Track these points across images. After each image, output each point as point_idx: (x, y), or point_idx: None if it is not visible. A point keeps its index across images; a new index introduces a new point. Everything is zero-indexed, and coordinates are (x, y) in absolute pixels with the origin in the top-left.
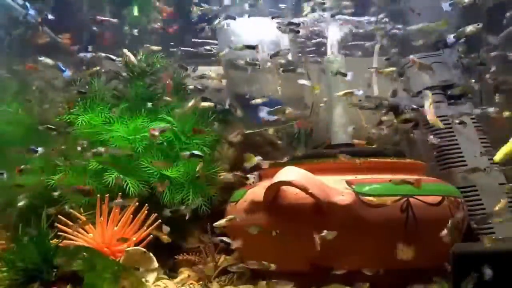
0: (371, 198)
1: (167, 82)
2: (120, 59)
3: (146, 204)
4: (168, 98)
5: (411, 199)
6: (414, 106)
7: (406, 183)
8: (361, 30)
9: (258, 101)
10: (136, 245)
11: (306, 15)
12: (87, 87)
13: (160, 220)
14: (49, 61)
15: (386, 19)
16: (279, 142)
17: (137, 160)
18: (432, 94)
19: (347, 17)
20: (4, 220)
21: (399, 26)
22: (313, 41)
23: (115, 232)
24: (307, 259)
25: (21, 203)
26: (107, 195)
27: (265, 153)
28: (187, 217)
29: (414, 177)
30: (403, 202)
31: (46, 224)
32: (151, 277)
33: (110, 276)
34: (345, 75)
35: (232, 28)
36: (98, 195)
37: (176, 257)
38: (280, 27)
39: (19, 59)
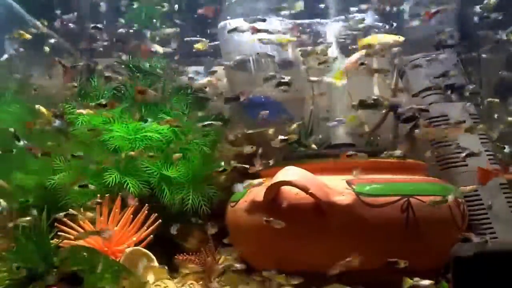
0: None
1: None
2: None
3: (146, 204)
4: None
5: (411, 199)
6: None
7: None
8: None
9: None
10: (136, 245)
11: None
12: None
13: (160, 220)
14: None
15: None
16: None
17: (137, 160)
18: (432, 94)
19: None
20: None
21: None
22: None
23: (115, 232)
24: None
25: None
26: (107, 195)
27: (265, 153)
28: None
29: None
30: (404, 202)
31: (46, 224)
32: (151, 277)
33: (110, 276)
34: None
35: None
36: (98, 195)
37: (176, 257)
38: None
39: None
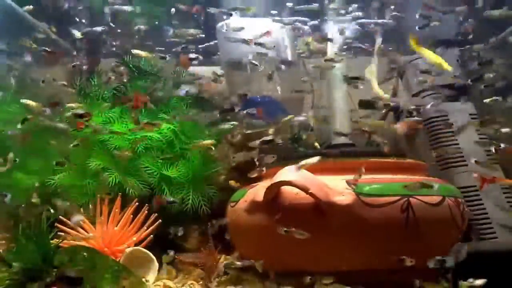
0: None
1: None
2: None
3: (147, 204)
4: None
5: (411, 199)
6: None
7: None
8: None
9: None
10: (136, 245)
11: None
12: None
13: (160, 220)
14: None
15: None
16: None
17: (138, 160)
18: (432, 94)
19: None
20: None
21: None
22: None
23: (115, 232)
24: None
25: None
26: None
27: (265, 153)
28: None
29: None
30: (404, 202)
31: (46, 224)
32: (151, 277)
33: (110, 276)
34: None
35: (232, 27)
36: (98, 195)
37: (176, 257)
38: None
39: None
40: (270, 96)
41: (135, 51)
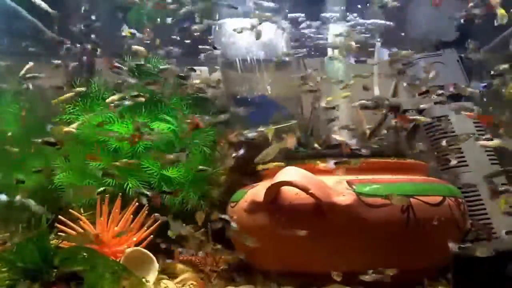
0: None
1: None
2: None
3: (146, 205)
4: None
5: (411, 199)
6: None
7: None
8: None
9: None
10: (136, 245)
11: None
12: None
13: (160, 221)
14: None
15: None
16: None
17: (137, 160)
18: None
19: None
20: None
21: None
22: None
23: (115, 232)
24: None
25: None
26: (107, 195)
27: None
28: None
29: None
30: None
31: (46, 224)
32: (151, 277)
33: (110, 276)
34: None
35: (227, 28)
36: (98, 196)
37: (176, 257)
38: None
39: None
40: (264, 95)
41: None
